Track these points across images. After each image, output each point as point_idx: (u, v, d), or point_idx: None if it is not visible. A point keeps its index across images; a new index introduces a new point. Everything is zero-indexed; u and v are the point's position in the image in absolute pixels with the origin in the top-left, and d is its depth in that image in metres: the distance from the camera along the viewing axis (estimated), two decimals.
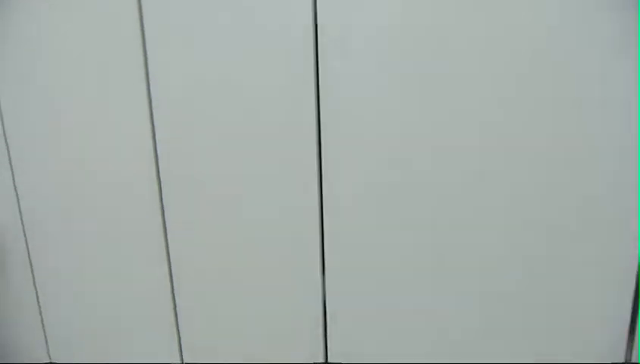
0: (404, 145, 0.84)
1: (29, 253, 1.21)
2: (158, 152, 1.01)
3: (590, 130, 0.76)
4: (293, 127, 0.89)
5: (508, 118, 0.78)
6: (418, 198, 0.85)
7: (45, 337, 1.27)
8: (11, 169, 1.16)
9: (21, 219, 1.19)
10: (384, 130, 0.84)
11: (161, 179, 1.02)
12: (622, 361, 0.80)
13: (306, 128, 0.89)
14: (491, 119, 0.79)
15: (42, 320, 1.26)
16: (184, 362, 1.11)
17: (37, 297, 1.24)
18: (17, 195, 1.17)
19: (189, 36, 0.92)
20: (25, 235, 1.20)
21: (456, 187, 0.83)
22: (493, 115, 0.79)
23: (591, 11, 0.73)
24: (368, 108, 0.84)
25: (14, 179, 1.17)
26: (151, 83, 0.98)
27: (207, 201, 0.99)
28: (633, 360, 0.77)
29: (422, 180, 0.85)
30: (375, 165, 0.86)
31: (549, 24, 0.74)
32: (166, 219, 1.04)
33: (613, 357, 0.81)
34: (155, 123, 0.99)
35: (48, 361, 1.28)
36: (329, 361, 0.98)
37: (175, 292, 1.08)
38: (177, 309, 1.08)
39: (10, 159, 1.16)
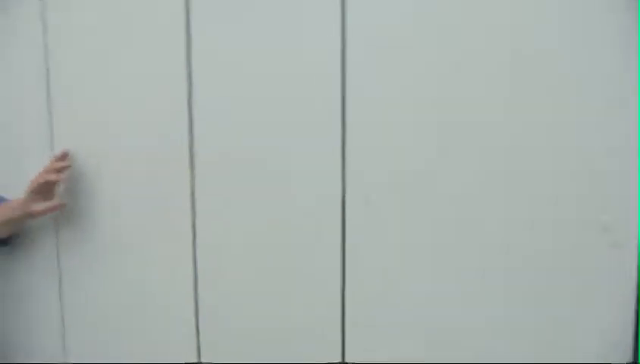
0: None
1: (57, 251, 1.26)
2: (194, 152, 1.07)
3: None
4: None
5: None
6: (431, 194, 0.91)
7: (64, 336, 1.29)
8: None
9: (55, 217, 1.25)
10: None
11: (195, 179, 1.08)
12: (629, 361, 0.82)
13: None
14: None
15: (62, 318, 1.28)
16: (202, 361, 1.13)
17: (60, 297, 1.28)
18: None
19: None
20: (57, 234, 1.26)
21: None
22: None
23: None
24: None
25: None
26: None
27: (236, 202, 1.05)
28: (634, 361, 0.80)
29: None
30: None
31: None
32: (196, 218, 1.09)
33: (618, 358, 0.83)
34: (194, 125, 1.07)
35: (63, 361, 1.29)
36: (346, 361, 1.00)
37: (198, 293, 1.11)
38: (198, 308, 1.11)
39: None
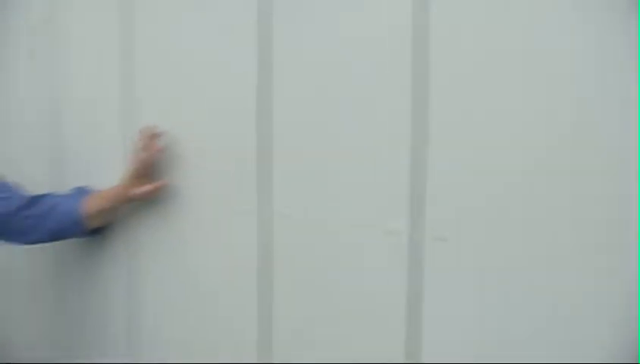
0: None
1: (128, 246, 1.30)
2: (272, 149, 1.09)
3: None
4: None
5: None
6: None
7: (132, 335, 1.32)
8: None
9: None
10: None
11: (273, 175, 1.09)
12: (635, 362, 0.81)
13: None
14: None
15: (130, 314, 1.32)
16: (274, 362, 1.11)
17: (129, 292, 1.31)
18: None
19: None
20: (128, 228, 1.30)
21: None
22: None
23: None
24: None
25: None
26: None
27: (312, 201, 1.05)
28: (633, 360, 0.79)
29: None
30: None
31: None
32: (274, 214, 1.09)
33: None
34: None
35: (132, 361, 1.31)
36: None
37: (273, 292, 1.11)
38: (272, 308, 1.11)
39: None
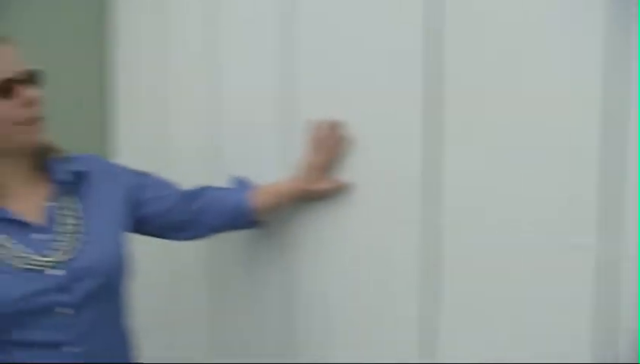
0: None
1: (282, 243, 1.22)
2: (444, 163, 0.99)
3: None
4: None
5: None
6: None
7: (290, 330, 1.23)
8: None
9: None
10: None
11: (444, 180, 0.99)
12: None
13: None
14: None
15: (291, 314, 1.23)
16: (426, 362, 1.04)
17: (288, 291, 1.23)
18: None
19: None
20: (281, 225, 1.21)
21: None
22: None
23: None
24: None
25: None
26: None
27: (487, 209, 0.95)
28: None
29: None
30: None
31: None
32: (444, 222, 1.00)
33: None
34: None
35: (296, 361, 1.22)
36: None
37: (439, 299, 1.02)
38: (438, 315, 1.02)
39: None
